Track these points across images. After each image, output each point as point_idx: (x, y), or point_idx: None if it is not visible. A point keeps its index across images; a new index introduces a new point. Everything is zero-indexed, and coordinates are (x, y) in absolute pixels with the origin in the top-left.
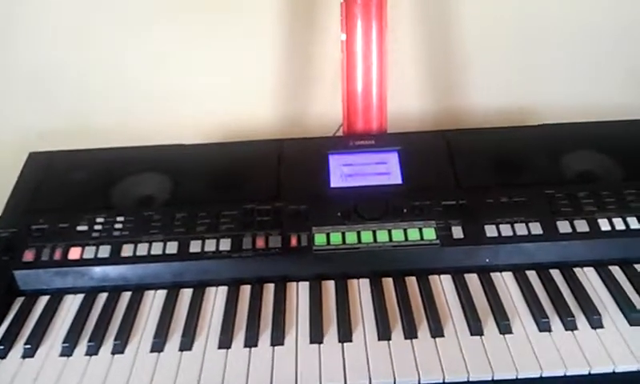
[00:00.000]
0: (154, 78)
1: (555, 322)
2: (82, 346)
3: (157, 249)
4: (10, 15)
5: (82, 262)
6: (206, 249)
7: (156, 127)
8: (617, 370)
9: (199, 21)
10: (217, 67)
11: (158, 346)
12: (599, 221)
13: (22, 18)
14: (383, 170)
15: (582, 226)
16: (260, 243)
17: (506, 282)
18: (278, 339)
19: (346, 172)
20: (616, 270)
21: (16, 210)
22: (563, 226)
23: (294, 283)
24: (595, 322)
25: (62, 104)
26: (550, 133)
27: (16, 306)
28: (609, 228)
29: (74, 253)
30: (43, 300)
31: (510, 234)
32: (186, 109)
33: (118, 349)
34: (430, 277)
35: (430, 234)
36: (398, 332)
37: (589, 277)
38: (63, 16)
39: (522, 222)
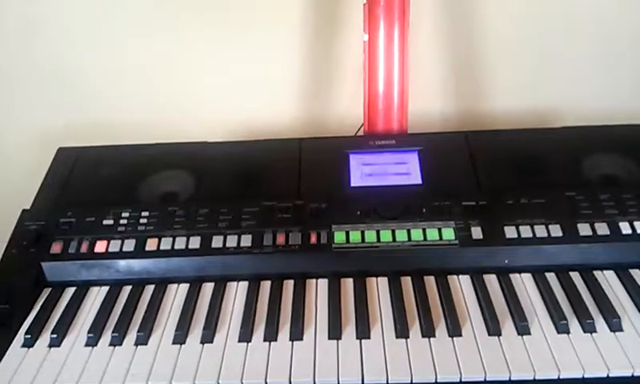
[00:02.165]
0: (177, 76)
1: (574, 325)
2: (107, 336)
3: (180, 243)
4: (34, 18)
5: (107, 255)
6: (228, 244)
7: (179, 125)
8: (635, 374)
9: (224, 20)
10: (240, 67)
11: (179, 338)
12: (620, 224)
13: (45, 19)
14: (403, 170)
15: (602, 228)
16: (280, 240)
17: (524, 284)
18: (297, 334)
19: (366, 171)
20: (637, 274)
21: (45, 204)
22: (583, 229)
23: (314, 280)
24: (614, 325)
25: (85, 103)
26: (571, 135)
27: (43, 296)
28: (630, 231)
29: (100, 246)
30: (70, 291)
31: (530, 235)
32: (209, 108)
33: (141, 340)
34: (449, 277)
35: (449, 234)
36: (415, 330)
37: (609, 280)
38: (85, 18)
39: (541, 223)
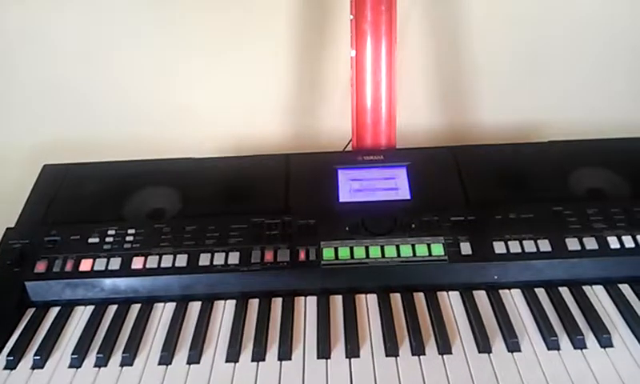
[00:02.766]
0: (164, 92)
1: (564, 341)
2: (91, 357)
3: (166, 261)
4: (21, 33)
5: (92, 274)
6: (215, 262)
7: (167, 141)
8: None
9: (211, 36)
10: (227, 82)
11: (165, 358)
12: (608, 238)
13: (32, 34)
14: (392, 185)
15: (591, 243)
16: (268, 257)
17: (514, 300)
18: (285, 354)
19: (354, 187)
20: (625, 288)
21: (29, 222)
22: (572, 244)
23: (302, 297)
24: (604, 341)
25: (72, 119)
26: (558, 149)
27: (27, 316)
28: (618, 246)
29: (85, 264)
30: (54, 311)
31: (519, 250)
32: (196, 124)
33: (127, 361)
34: (438, 293)
35: (438, 249)
36: (405, 348)
37: (598, 295)
38: (72, 33)
39: (530, 238)
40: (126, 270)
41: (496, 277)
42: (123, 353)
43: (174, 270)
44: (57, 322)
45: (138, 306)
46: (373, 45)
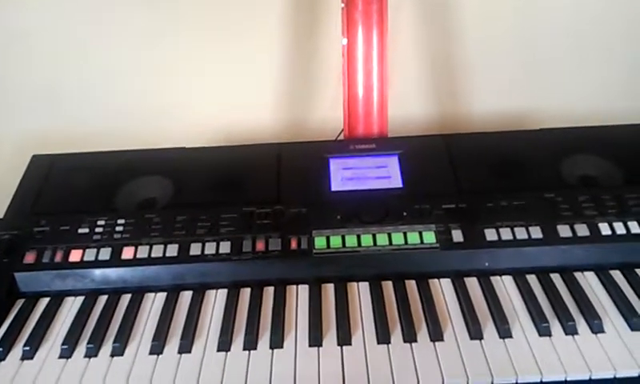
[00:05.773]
0: (154, 82)
1: (555, 327)
2: (82, 347)
3: (157, 251)
4: (15, 28)
5: (82, 265)
6: (206, 251)
7: (158, 133)
8: (618, 376)
9: (202, 25)
10: (218, 72)
11: (157, 348)
12: (600, 225)
13: (21, 30)
14: (384, 173)
15: (582, 230)
16: (260, 246)
17: (505, 286)
18: (277, 342)
19: (346, 176)
20: (617, 275)
21: (18, 212)
22: (564, 230)
23: (294, 286)
24: (596, 327)
25: (62, 111)
26: (550, 137)
27: (16, 307)
28: (609, 232)
29: (75, 255)
30: (43, 302)
31: (510, 237)
32: (188, 114)
33: (117, 351)
34: (430, 280)
35: (429, 237)
36: (397, 336)
37: (589, 281)
38: (63, 28)
39: (522, 226)
40: (116, 260)
41: (487, 264)
42: (114, 343)
43: (164, 260)
44: (46, 312)
45: (129, 296)
46: (364, 33)
